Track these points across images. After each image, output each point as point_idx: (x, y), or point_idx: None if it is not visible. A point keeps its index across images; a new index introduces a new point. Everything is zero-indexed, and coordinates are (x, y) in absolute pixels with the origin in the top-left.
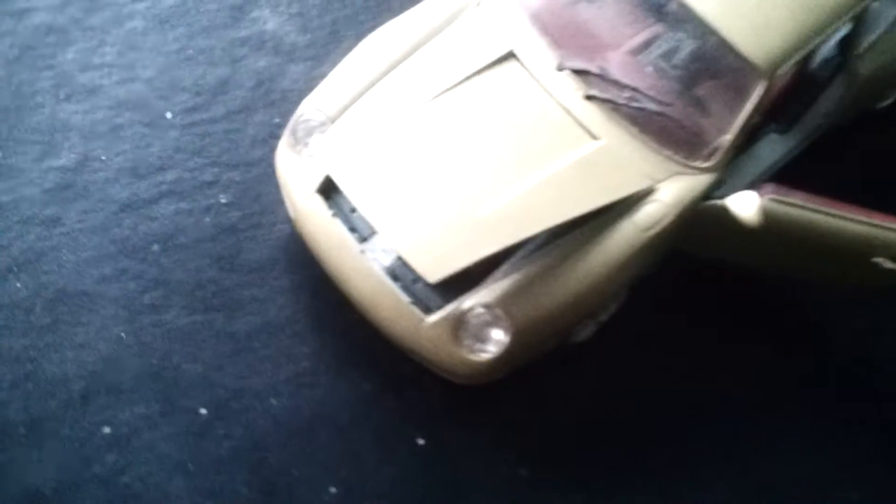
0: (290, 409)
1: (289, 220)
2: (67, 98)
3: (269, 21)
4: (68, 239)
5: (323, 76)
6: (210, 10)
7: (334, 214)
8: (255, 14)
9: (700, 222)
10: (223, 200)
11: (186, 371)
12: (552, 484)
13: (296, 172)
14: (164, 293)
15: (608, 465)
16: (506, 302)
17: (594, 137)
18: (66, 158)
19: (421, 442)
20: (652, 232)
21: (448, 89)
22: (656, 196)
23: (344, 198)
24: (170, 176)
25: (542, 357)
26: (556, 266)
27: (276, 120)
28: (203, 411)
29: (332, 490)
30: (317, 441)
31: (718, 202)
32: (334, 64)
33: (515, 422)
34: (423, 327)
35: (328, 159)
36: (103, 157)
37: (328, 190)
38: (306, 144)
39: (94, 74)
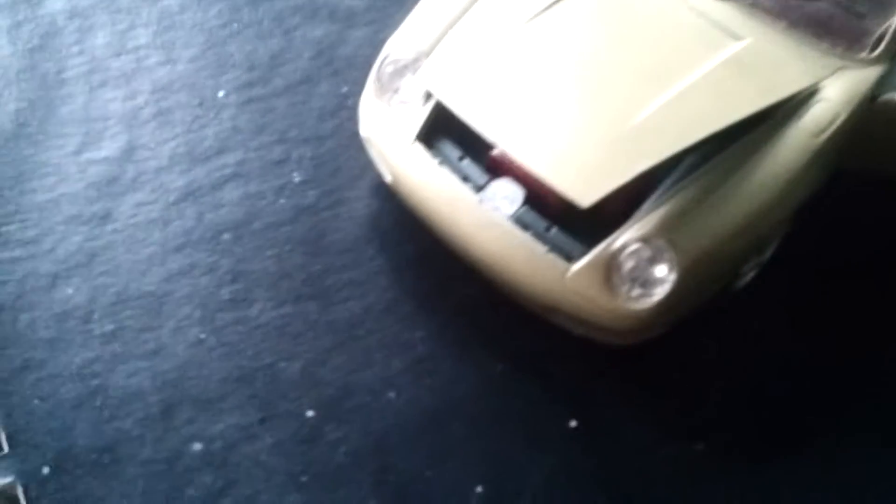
0: (412, 402)
1: (375, 194)
2: (102, 85)
3: None
4: (123, 236)
5: (387, 40)
6: None
7: (441, 163)
8: None
9: (874, 125)
10: (297, 179)
11: (283, 371)
12: (734, 458)
13: (388, 123)
14: (244, 286)
15: (797, 436)
16: (668, 231)
17: (737, 38)
18: (108, 149)
19: (573, 423)
20: (824, 136)
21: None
22: (821, 95)
23: (449, 145)
24: (232, 158)
25: (702, 307)
26: (720, 185)
27: (344, 89)
28: (310, 414)
29: (478, 490)
30: (449, 436)
31: (894, 96)
32: (398, 27)
33: (678, 389)
34: (568, 278)
35: (435, 84)
36: (152, 145)
37: (429, 139)
38: (396, 91)
39: (128, 58)
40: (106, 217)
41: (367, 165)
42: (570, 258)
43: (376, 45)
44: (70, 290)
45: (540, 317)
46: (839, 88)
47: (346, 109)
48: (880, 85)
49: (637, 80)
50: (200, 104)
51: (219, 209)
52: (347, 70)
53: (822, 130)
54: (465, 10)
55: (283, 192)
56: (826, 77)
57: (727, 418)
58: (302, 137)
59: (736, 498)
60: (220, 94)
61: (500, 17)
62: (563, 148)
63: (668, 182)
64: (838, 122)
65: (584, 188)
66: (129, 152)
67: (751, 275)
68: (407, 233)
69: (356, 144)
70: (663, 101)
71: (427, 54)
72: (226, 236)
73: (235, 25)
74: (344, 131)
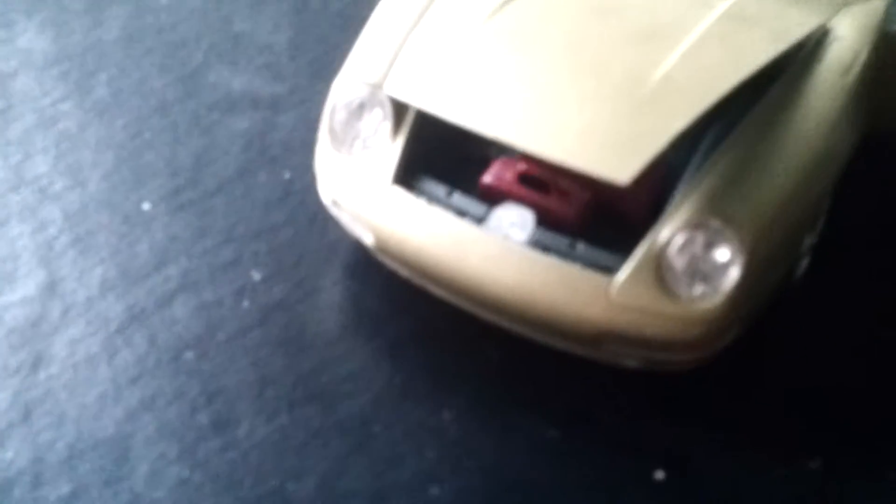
0: (462, 492)
1: (352, 274)
2: (4, 223)
3: (234, 80)
4: (62, 380)
5: (320, 118)
6: (155, 88)
7: (429, 203)
8: (212, 79)
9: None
10: (257, 277)
11: (296, 493)
12: (855, 476)
13: (355, 176)
14: (223, 405)
15: None
16: (720, 208)
17: None
18: (24, 289)
19: (659, 476)
20: (852, 75)
21: None
22: (834, 35)
23: (432, 182)
24: (174, 270)
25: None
26: (760, 148)
27: (287, 175)
28: None
29: None
30: None
31: None
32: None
33: (761, 409)
34: (614, 293)
35: (410, 92)
36: (76, 275)
37: (407, 179)
38: (356, 137)
39: (29, 189)
40: (37, 363)
41: (336, 244)
42: (609, 271)
43: (311, 125)
44: (10, 454)
45: (584, 360)
46: (850, 25)
47: (293, 195)
48: (891, 18)
49: (637, 45)
50: (124, 221)
51: (172, 327)
52: (285, 155)
53: (848, 68)
54: (419, 19)
55: (244, 295)
56: (833, 16)
57: (840, 430)
58: (251, 233)
59: None
60: (146, 206)
61: (467, 9)
62: (579, 127)
63: (697, 159)
64: (862, 59)
65: (618, 163)
66: (49, 288)
67: (806, 261)
68: (401, 306)
69: (316, 227)
70: (673, 60)
71: (381, 85)
72: (188, 355)
73: (147, 134)
74: (298, 217)
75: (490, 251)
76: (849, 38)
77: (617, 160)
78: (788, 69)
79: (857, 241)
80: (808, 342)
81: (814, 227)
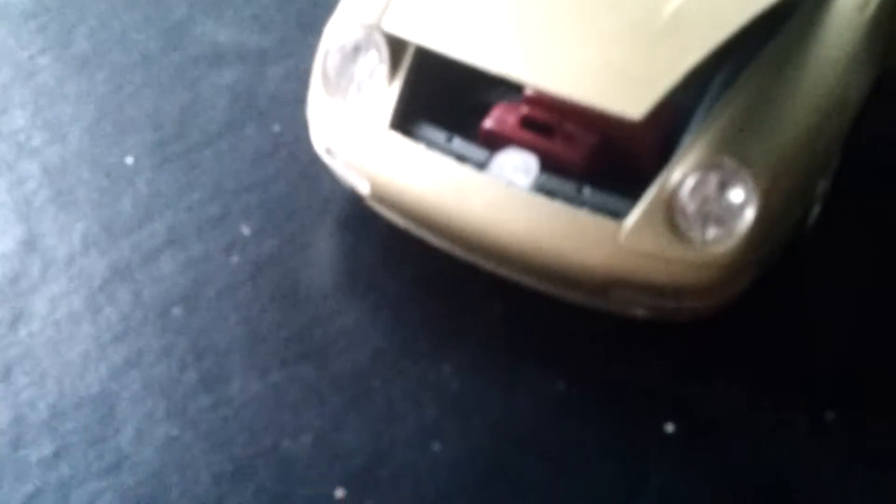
0: (465, 450)
1: (347, 227)
2: None
3: (220, 32)
4: (43, 338)
5: (311, 70)
6: (139, 40)
7: (428, 148)
8: (198, 31)
9: None
10: (247, 232)
11: (291, 450)
12: (861, 426)
13: (350, 122)
14: (214, 362)
15: None
16: (733, 147)
17: None
18: (2, 244)
19: (670, 428)
20: (868, 11)
21: None
22: None
23: (430, 128)
24: (160, 225)
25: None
26: (774, 85)
27: (276, 128)
28: (340, 494)
29: None
30: (523, 479)
31: None
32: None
33: (776, 356)
34: (624, 237)
35: (410, 29)
36: (56, 231)
37: (405, 124)
38: (350, 81)
39: (6, 145)
40: (16, 320)
41: (329, 197)
42: (617, 215)
43: (300, 78)
44: None
45: (591, 311)
46: None
47: (284, 147)
48: None
49: None
50: (107, 176)
51: (158, 283)
52: (274, 108)
53: (865, 4)
54: None
55: (234, 250)
56: None
57: (846, 373)
58: (241, 187)
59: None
60: (129, 160)
61: None
62: (589, 63)
63: (708, 100)
64: None
65: (631, 99)
66: (29, 244)
67: (817, 209)
68: (399, 259)
69: (308, 180)
70: None
71: (379, 28)
72: (176, 311)
73: (129, 88)
74: (289, 170)
75: (493, 197)
76: None
77: (629, 95)
78: (803, 5)
79: (868, 188)
80: (820, 291)
81: (827, 171)
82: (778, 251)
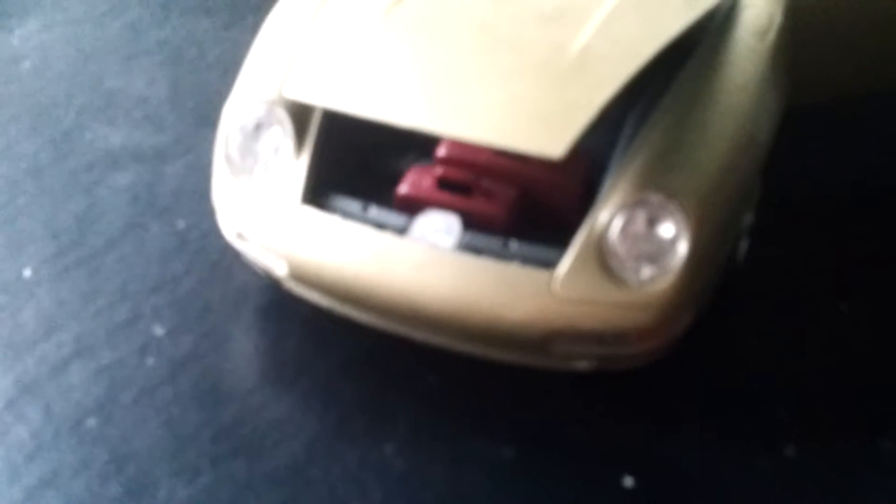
0: None
1: (267, 317)
2: None
3: (113, 136)
4: None
5: (209, 165)
6: (25, 152)
7: (344, 219)
8: (88, 137)
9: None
10: (159, 333)
11: None
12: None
13: (259, 201)
14: (137, 471)
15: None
16: (658, 181)
17: None
18: None
19: (629, 483)
20: (770, 37)
21: None
22: (745, 2)
23: (344, 198)
24: (66, 335)
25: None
26: (688, 117)
27: (181, 225)
28: None
29: None
30: None
31: None
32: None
33: (730, 400)
34: (558, 285)
35: (311, 93)
36: None
37: (317, 198)
38: (255, 159)
39: None
40: None
41: (244, 288)
42: (548, 265)
43: (201, 171)
44: None
45: (532, 370)
46: None
47: (190, 242)
48: None
49: (549, 22)
50: (4, 291)
51: (69, 395)
52: (177, 205)
53: (766, 31)
54: (311, 25)
55: (148, 351)
56: None
57: (800, 404)
58: (149, 288)
59: None
60: (27, 273)
61: (362, 6)
62: (502, 106)
63: (624, 139)
64: (777, 22)
65: (549, 138)
66: None
67: (745, 244)
68: (325, 341)
69: (220, 272)
70: (589, 33)
71: (280, 103)
72: (90, 422)
73: (21, 200)
74: (198, 265)
75: (417, 260)
76: (761, 3)
77: (546, 135)
78: (705, 37)
79: (792, 220)
80: (760, 326)
81: (751, 202)
82: (712, 287)
